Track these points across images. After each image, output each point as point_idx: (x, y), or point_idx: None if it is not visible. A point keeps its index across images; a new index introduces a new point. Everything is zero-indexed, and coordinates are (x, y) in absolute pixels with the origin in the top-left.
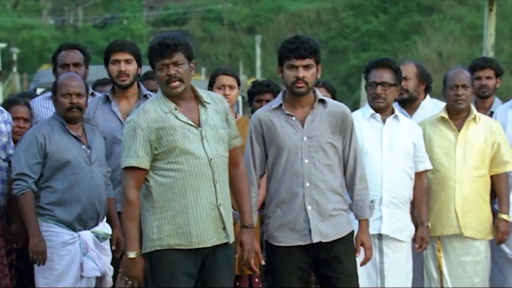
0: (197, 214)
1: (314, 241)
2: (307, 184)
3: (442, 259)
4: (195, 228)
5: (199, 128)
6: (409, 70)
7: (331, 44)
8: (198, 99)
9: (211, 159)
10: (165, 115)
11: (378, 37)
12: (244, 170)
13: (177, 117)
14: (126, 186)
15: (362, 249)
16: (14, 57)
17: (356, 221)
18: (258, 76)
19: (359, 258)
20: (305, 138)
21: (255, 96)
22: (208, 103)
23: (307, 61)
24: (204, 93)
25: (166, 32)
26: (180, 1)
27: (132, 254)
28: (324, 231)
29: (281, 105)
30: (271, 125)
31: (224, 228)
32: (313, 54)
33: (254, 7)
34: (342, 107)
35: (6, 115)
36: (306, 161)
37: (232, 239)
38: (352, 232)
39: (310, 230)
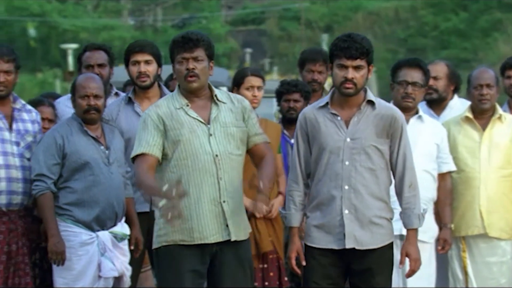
0: (199, 209)
1: (348, 246)
2: (346, 187)
3: (467, 260)
4: (197, 223)
5: (208, 125)
6: (439, 70)
7: (410, 42)
8: (213, 97)
9: (216, 155)
10: (176, 111)
11: (457, 35)
12: (272, 157)
13: (186, 113)
14: (138, 170)
15: (407, 260)
16: None
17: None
18: None
19: (404, 270)
20: (348, 139)
21: (283, 95)
22: (223, 102)
23: (358, 62)
24: (223, 94)
25: (244, 31)
26: (258, 0)
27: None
28: (360, 237)
29: (327, 103)
30: (316, 123)
31: (227, 226)
32: (365, 55)
33: (331, 5)
34: (392, 109)
35: (34, 114)
36: (347, 163)
37: (236, 237)
38: (391, 244)
39: (344, 235)
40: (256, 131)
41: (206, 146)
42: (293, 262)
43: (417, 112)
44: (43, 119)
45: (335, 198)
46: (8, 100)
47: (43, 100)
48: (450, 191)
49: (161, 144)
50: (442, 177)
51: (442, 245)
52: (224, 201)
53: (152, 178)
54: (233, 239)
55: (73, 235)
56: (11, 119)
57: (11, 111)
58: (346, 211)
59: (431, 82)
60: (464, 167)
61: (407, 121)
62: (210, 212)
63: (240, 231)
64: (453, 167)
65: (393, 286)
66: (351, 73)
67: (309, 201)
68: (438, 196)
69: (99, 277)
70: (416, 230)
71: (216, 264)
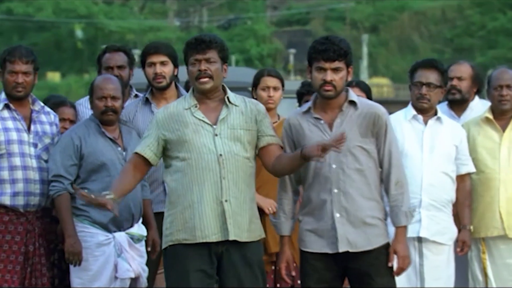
0: (201, 208)
1: (340, 250)
2: (335, 191)
3: (487, 261)
4: (199, 222)
5: (214, 126)
6: (464, 70)
7: (457, 42)
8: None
9: (220, 155)
10: (183, 111)
11: (505, 34)
12: None
13: (193, 114)
14: (123, 167)
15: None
16: (136, 59)
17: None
18: (365, 77)
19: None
20: None
21: (303, 96)
22: (235, 105)
23: (336, 64)
24: (238, 97)
25: (289, 32)
26: (303, 1)
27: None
28: (353, 240)
29: (310, 108)
30: (300, 129)
31: (226, 225)
32: (343, 56)
33: (377, 5)
34: (375, 107)
35: (52, 116)
36: (334, 166)
37: (236, 237)
38: (387, 244)
39: (337, 239)
40: (270, 132)
41: (210, 146)
42: (283, 272)
43: (435, 114)
44: (64, 119)
45: (326, 202)
46: (27, 102)
47: (65, 101)
48: (469, 193)
49: (155, 147)
50: (461, 178)
51: (461, 246)
52: (226, 200)
53: (123, 178)
54: (231, 238)
55: (90, 235)
56: (29, 121)
57: (30, 112)
58: (338, 215)
59: (455, 82)
60: (484, 168)
61: (426, 122)
62: (212, 211)
63: (243, 232)
64: (472, 169)
65: (411, 287)
66: (329, 75)
67: (301, 206)
68: (457, 197)
69: (116, 278)
70: (404, 227)
71: (223, 265)
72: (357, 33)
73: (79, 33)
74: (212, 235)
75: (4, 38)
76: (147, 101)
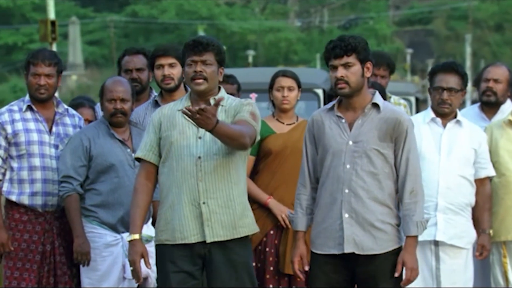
0: (180, 210)
1: (346, 251)
2: (346, 191)
3: (508, 265)
4: (178, 223)
5: (200, 129)
6: (500, 73)
7: None
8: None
9: (199, 157)
10: (175, 113)
11: None
12: (249, 127)
13: (183, 115)
14: (136, 174)
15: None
16: (250, 60)
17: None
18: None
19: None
20: (350, 142)
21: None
22: (221, 105)
23: (345, 59)
24: (228, 99)
25: (411, 31)
26: (426, 0)
27: (129, 237)
28: (360, 242)
29: (334, 106)
30: (321, 125)
31: (204, 227)
32: (351, 51)
33: (502, 4)
34: (397, 113)
35: (77, 119)
36: (348, 166)
37: (214, 238)
38: (397, 249)
39: (344, 239)
40: (241, 115)
41: (192, 148)
42: (296, 267)
43: (455, 117)
44: (84, 120)
45: (336, 202)
46: (51, 104)
47: (84, 102)
48: (489, 197)
49: (156, 150)
50: (480, 182)
51: (480, 251)
52: (204, 203)
53: (140, 194)
54: (209, 240)
55: (98, 236)
56: (52, 123)
57: (54, 115)
58: (346, 215)
59: (491, 84)
60: (505, 171)
61: (444, 125)
62: (190, 212)
63: (229, 230)
64: (491, 172)
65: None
66: (339, 72)
67: (314, 205)
68: (477, 201)
69: (124, 278)
70: (415, 238)
71: (207, 267)
72: (481, 32)
73: (201, 34)
74: (191, 236)
75: (129, 40)
76: (156, 104)
